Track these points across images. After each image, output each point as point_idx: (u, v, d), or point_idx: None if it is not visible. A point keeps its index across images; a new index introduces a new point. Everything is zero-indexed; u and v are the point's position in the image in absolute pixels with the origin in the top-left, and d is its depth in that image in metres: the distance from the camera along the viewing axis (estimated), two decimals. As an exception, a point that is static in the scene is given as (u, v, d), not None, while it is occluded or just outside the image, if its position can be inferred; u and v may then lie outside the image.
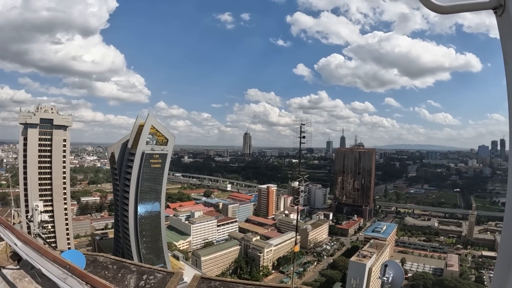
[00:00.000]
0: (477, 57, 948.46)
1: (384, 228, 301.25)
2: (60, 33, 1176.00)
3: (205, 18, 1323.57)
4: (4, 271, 11.06)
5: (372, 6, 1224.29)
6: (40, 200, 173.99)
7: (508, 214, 6.00)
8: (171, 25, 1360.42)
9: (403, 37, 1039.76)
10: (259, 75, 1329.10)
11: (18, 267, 11.45)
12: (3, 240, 12.55)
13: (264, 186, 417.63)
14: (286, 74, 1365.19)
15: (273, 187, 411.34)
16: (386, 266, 14.90)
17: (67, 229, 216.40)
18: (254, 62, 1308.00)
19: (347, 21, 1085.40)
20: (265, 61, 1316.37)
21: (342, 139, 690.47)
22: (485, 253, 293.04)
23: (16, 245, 11.27)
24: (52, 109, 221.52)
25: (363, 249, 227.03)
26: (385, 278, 14.57)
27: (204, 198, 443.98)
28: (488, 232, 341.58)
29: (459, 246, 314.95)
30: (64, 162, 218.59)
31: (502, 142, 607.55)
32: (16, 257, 12.00)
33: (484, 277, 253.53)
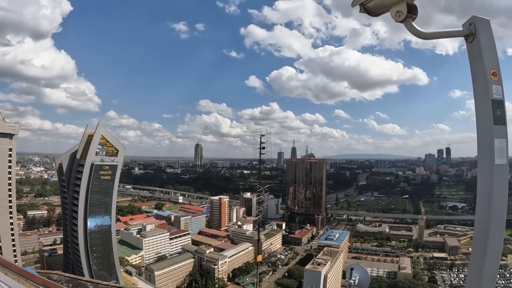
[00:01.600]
0: (424, 71, 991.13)
1: (337, 235, 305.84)
2: (10, 35, 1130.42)
3: (159, 26, 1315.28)
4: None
5: (325, 21, 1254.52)
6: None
7: (479, 206, 7.38)
8: (125, 31, 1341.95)
9: (354, 51, 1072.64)
10: (211, 86, 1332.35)
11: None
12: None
13: (216, 197, 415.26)
14: (238, 85, 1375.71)
15: (225, 199, 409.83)
16: (352, 269, 14.99)
17: (13, 245, 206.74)
18: (207, 73, 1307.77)
19: (300, 35, 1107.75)
20: (217, 72, 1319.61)
21: (293, 149, 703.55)
22: (436, 254, 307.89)
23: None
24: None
25: (317, 257, 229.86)
26: (352, 281, 14.69)
27: (155, 211, 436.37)
28: (438, 235, 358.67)
29: (410, 249, 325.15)
30: (9, 173, 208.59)
31: (448, 150, 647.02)
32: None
33: (437, 277, 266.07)
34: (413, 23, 6.95)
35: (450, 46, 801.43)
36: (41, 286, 9.93)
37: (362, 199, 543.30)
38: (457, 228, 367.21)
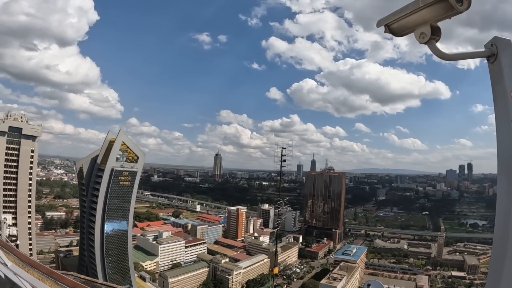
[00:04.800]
0: (446, 85, 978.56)
1: (354, 250, 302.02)
2: (36, 40, 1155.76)
3: (182, 37, 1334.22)
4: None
5: (346, 34, 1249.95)
6: (4, 212, 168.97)
7: (498, 225, 7.52)
8: (149, 40, 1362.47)
9: (375, 64, 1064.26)
10: (232, 97, 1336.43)
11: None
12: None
13: (234, 208, 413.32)
14: (259, 97, 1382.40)
15: (243, 209, 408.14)
16: (369, 285, 14.74)
17: (30, 244, 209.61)
18: (228, 84, 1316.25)
19: (321, 48, 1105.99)
20: (239, 83, 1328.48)
21: (313, 162, 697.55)
22: (454, 273, 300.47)
23: (6, 265, 10.21)
24: (22, 117, 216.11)
25: (333, 271, 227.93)
26: (368, 297, 13.96)
27: (172, 219, 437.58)
28: (457, 253, 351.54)
29: (428, 267, 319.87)
30: (30, 174, 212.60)
31: (469, 166, 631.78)
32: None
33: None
34: (436, 44, 6.96)
35: (472, 60, 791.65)
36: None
37: (381, 214, 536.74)
38: (477, 247, 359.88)
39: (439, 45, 7.09)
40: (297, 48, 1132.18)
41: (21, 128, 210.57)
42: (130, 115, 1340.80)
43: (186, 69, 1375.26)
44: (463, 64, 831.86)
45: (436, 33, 6.99)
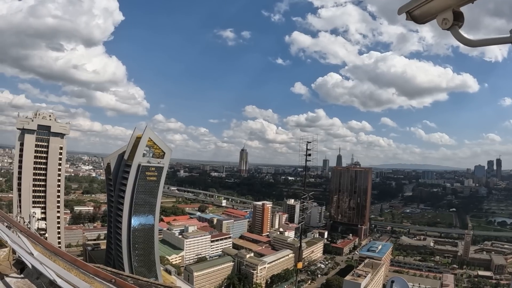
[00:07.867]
0: (474, 77, 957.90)
1: (379, 247, 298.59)
2: (62, 41, 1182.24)
3: (206, 34, 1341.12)
4: (7, 279, 10.20)
5: (370, 27, 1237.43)
6: (34, 207, 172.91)
7: None
8: (174, 39, 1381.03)
9: (401, 57, 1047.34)
10: (257, 92, 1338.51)
11: (22, 276, 10.61)
12: (6, 247, 11.78)
13: (260, 203, 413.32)
14: (284, 92, 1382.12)
15: (268, 204, 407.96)
16: (392, 282, 14.46)
17: (59, 237, 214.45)
18: (253, 79, 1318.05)
19: (346, 42, 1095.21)
20: (263, 79, 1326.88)
21: (339, 157, 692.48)
22: (481, 272, 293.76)
23: (33, 254, 10.44)
24: (50, 116, 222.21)
25: (358, 268, 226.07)
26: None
27: (198, 213, 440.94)
28: (484, 252, 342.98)
29: (454, 266, 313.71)
30: (59, 170, 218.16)
31: (498, 161, 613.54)
32: (19, 265, 11.15)
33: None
34: (459, 30, 6.74)
35: (499, 52, 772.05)
36: (91, 275, 10.25)
37: (407, 210, 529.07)
38: (505, 246, 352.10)
39: (462, 31, 6.89)
40: (321, 42, 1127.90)
41: (50, 126, 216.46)
42: (156, 112, 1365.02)
43: (211, 66, 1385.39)
44: (490, 56, 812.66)
45: (458, 19, 6.74)
